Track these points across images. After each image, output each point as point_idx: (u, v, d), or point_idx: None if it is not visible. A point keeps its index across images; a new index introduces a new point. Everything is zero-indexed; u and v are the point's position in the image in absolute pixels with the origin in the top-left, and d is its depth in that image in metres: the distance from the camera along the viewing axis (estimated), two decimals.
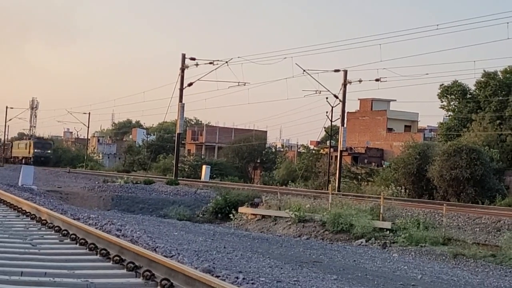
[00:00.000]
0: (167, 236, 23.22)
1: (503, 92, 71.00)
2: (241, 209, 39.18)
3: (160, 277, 9.73)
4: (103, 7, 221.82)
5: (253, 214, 38.35)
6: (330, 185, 47.11)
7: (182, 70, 61.93)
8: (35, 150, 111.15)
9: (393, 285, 17.88)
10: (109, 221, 19.09)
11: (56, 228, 14.95)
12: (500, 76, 73.42)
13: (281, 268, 18.54)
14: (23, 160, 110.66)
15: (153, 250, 13.39)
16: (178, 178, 59.79)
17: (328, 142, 74.09)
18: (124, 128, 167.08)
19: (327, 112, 63.14)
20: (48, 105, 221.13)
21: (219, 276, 11.30)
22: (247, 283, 12.06)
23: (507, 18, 62.83)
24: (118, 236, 14.49)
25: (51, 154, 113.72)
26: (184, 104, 62.23)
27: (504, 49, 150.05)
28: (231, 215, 38.51)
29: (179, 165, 66.45)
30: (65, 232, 14.22)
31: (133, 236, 16.06)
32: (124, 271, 10.52)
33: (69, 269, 10.34)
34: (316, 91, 60.04)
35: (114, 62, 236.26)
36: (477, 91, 74.69)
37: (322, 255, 24.29)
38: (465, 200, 48.52)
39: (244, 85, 61.70)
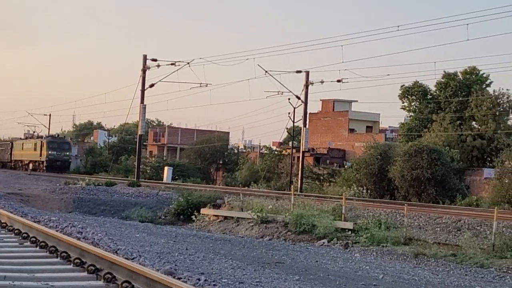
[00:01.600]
0: (129, 238, 23.09)
1: (463, 93, 71.73)
2: (203, 211, 39.09)
3: (121, 280, 9.70)
4: (64, 7, 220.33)
5: (216, 216, 38.29)
6: (292, 186, 47.18)
7: (144, 71, 61.68)
8: (50, 152, 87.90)
9: (355, 285, 17.94)
10: (70, 224, 18.97)
11: (16, 231, 14.82)
12: (460, 77, 74.17)
13: (244, 269, 18.53)
14: (30, 165, 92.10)
15: (115, 253, 13.31)
16: (140, 180, 59.55)
17: (290, 143, 74.29)
18: (85, 130, 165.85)
19: (289, 113, 63.33)
20: (7, 106, 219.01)
21: (181, 278, 11.27)
22: (209, 285, 12.04)
23: (467, 20, 63.55)
24: (79, 239, 14.40)
25: (70, 157, 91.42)
26: (145, 105, 61.98)
27: (464, 50, 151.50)
28: (193, 216, 38.47)
29: (141, 166, 66.16)
30: (25, 235, 14.11)
31: (94, 239, 15.96)
32: (85, 274, 10.47)
33: (29, 272, 10.26)
34: (278, 92, 60.20)
35: (75, 63, 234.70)
36: (437, 91, 75.38)
37: (285, 255, 24.30)
38: (426, 200, 48.90)
39: (206, 86, 61.62)
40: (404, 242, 28.16)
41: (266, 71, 57.00)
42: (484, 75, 74.62)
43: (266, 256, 23.61)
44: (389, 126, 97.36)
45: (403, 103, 79.21)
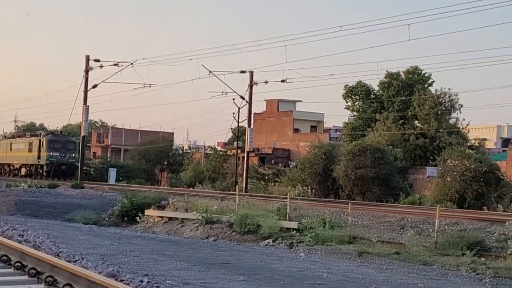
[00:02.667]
0: (72, 241, 22.83)
1: (406, 92, 72.44)
2: (147, 212, 38.87)
3: (63, 283, 9.57)
4: (4, 8, 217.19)
5: (160, 217, 38.10)
6: (237, 186, 47.17)
7: (86, 72, 61.23)
8: (52, 154, 69.96)
9: (300, 284, 17.96)
10: (11, 227, 18.69)
11: None
12: (403, 76, 74.92)
13: (189, 270, 18.45)
14: (22, 170, 75.09)
15: (56, 255, 13.14)
16: (84, 182, 58.98)
17: (235, 143, 74.26)
18: (27, 131, 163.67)
19: (234, 113, 63.33)
20: None
21: (123, 280, 11.16)
22: (152, 287, 11.94)
23: (408, 20, 64.19)
24: (20, 242, 14.19)
25: (76, 160, 69.98)
26: (88, 106, 61.51)
27: (406, 50, 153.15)
28: (137, 218, 38.25)
29: (84, 168, 65.58)
30: None
31: (35, 242, 15.75)
32: (26, 277, 10.31)
33: None
34: (222, 92, 60.19)
35: (16, 64, 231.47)
36: (380, 91, 76.04)
37: (230, 256, 24.25)
38: (370, 199, 49.28)
39: (150, 86, 61.37)
40: (349, 241, 28.32)
41: (210, 71, 56.99)
42: (426, 75, 75.47)
43: (212, 257, 23.53)
44: (333, 126, 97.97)
45: (347, 102, 79.78)
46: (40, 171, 71.13)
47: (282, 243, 29.84)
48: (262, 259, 23.81)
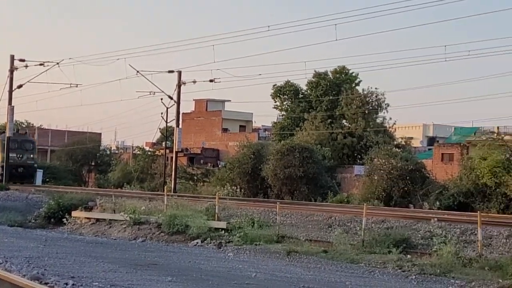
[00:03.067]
0: None
1: (334, 92, 73.10)
2: (74, 213, 38.42)
3: None
4: None
5: (87, 218, 37.70)
6: (166, 187, 46.90)
7: (11, 71, 60.24)
8: (9, 155, 61.29)
9: (228, 284, 17.95)
10: None
11: None
12: (330, 76, 75.61)
13: (115, 272, 18.30)
14: None
15: None
16: (9, 183, 57.92)
17: (163, 143, 73.85)
18: None
19: (162, 113, 62.91)
20: None
21: (48, 283, 11.00)
22: None
23: (335, 20, 64.64)
24: None
25: (35, 162, 66.14)
26: (13, 106, 60.51)
27: (333, 50, 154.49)
28: (64, 219, 37.77)
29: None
30: None
31: None
32: None
33: None
34: (150, 92, 59.73)
35: None
36: (308, 91, 76.61)
37: (158, 257, 24.12)
38: (298, 198, 49.48)
39: (77, 86, 60.56)
40: (277, 240, 28.43)
41: (137, 71, 56.49)
42: (353, 74, 76.31)
43: (139, 258, 23.37)
44: (262, 125, 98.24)
45: (275, 102, 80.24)
46: None
47: (210, 243, 29.80)
48: (191, 260, 23.75)
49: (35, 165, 65.08)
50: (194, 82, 57.94)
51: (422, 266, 22.14)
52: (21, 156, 63.40)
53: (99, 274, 17.38)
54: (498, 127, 70.35)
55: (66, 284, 11.79)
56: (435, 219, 26.24)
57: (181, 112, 60.12)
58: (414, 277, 21.15)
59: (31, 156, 64.83)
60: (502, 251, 23.61)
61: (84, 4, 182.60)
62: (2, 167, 60.67)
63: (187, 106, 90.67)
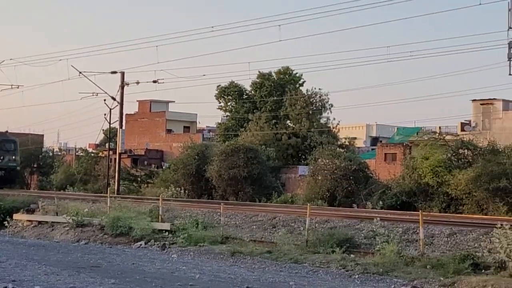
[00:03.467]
0: None
1: (278, 92, 73.37)
2: (16, 216, 37.95)
3: None
4: None
5: (29, 221, 37.25)
6: (109, 188, 46.53)
7: None
8: None
9: (171, 286, 17.86)
10: None
11: None
12: (275, 77, 75.87)
13: (58, 275, 18.10)
14: None
15: None
16: None
17: (107, 145, 73.30)
18: None
19: (105, 115, 62.38)
20: None
21: None
22: None
23: (279, 21, 64.89)
24: None
25: (18, 165, 60.85)
26: None
27: (277, 51, 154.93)
28: (5, 222, 37.26)
29: None
30: None
31: None
32: None
33: None
34: (93, 93, 59.17)
35: None
36: (253, 91, 76.74)
37: (101, 259, 23.93)
38: (243, 198, 49.46)
39: (18, 87, 59.76)
40: (221, 241, 28.38)
41: (80, 72, 55.94)
42: (297, 75, 76.66)
43: (82, 260, 23.15)
44: (206, 126, 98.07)
45: (219, 103, 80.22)
46: None
47: (154, 244, 29.65)
48: (134, 262, 23.61)
49: (18, 168, 60.04)
50: (138, 83, 57.55)
51: (365, 265, 22.28)
52: (1, 157, 57.98)
53: (40, 277, 17.18)
54: (440, 127, 71.36)
55: (6, 287, 11.61)
56: (378, 218, 26.41)
57: (124, 113, 59.71)
58: (357, 276, 21.28)
59: (13, 157, 59.11)
60: (444, 249, 23.89)
61: (26, 4, 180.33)
62: None
63: (131, 107, 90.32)
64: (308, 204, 30.07)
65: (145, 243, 30.03)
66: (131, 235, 31.12)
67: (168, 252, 27.70)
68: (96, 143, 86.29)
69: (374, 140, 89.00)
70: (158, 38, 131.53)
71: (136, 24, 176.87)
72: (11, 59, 66.49)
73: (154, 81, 56.71)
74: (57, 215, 36.77)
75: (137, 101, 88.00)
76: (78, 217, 34.22)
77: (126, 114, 73.95)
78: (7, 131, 66.23)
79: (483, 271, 20.62)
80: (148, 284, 17.95)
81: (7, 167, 58.01)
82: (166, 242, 29.43)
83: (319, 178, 46.82)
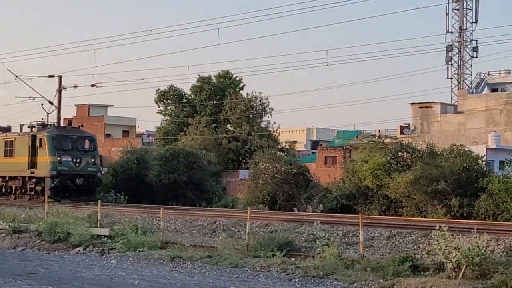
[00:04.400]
0: None
1: (218, 96, 73.32)
2: None
3: None
4: None
5: None
6: (46, 194, 45.78)
7: None
8: (61, 160, 44.21)
9: None
10: None
11: None
12: (214, 80, 75.77)
13: None
14: (13, 187, 47.41)
15: None
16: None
17: None
18: None
19: (42, 119, 61.53)
20: None
21: None
22: None
23: (218, 25, 64.90)
24: None
25: (99, 169, 47.68)
26: None
27: (216, 54, 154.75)
28: None
29: None
30: None
31: None
32: None
33: None
34: (30, 97, 58.30)
35: None
36: (192, 95, 76.53)
37: (38, 266, 23.57)
38: (183, 203, 49.23)
39: None
40: (161, 246, 28.10)
41: (16, 76, 55.12)
42: (237, 79, 76.70)
43: (18, 267, 22.77)
44: (146, 131, 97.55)
45: (159, 107, 79.82)
46: (37, 188, 45.03)
47: (93, 250, 29.24)
48: (72, 268, 23.35)
49: (99, 174, 46.72)
50: (75, 87, 56.92)
51: (305, 268, 22.27)
52: (78, 160, 44.93)
53: None
54: (379, 130, 72.11)
55: None
56: (318, 221, 26.43)
57: (62, 118, 58.92)
58: (297, 279, 21.25)
59: (92, 160, 46.07)
60: (383, 251, 24.02)
61: None
62: (53, 177, 43.76)
63: (69, 112, 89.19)
64: (249, 208, 29.98)
65: (84, 249, 29.60)
66: (69, 241, 30.64)
67: (107, 257, 27.34)
68: None
69: (315, 144, 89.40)
70: (96, 41, 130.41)
71: (73, 28, 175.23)
72: None
73: (92, 85, 56.23)
74: None
75: (75, 105, 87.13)
76: (15, 223, 33.66)
77: (64, 119, 72.92)
78: (82, 125, 51.68)
79: (422, 273, 20.74)
80: None
81: (86, 174, 45.26)
82: (105, 248, 29.04)
83: (260, 182, 46.78)
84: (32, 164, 45.30)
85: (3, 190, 48.22)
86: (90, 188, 45.51)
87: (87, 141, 47.07)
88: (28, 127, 48.76)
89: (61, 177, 43.79)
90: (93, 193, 45.58)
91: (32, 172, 45.41)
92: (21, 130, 49.62)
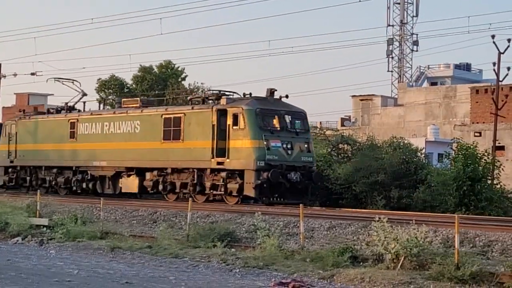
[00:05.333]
0: None
1: (160, 86, 73.04)
2: None
3: None
4: None
5: None
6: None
7: None
8: (272, 146, 32.41)
9: (48, 282, 17.49)
10: None
11: None
12: (156, 70, 75.43)
13: None
14: (130, 183, 38.71)
15: None
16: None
17: None
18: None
19: None
20: None
21: None
22: None
23: (160, 14, 64.57)
24: None
25: (314, 160, 34.92)
26: None
27: (158, 44, 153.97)
28: None
29: None
30: None
31: None
32: None
33: None
34: None
35: None
36: (134, 85, 76.08)
37: None
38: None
39: None
40: (101, 236, 27.94)
41: None
42: (180, 69, 76.47)
43: None
44: None
45: (100, 96, 79.08)
46: (230, 185, 33.32)
47: (32, 240, 28.94)
48: (10, 258, 23.12)
49: (314, 167, 34.96)
50: (15, 75, 56.30)
51: (246, 259, 22.29)
52: (289, 146, 33.39)
53: None
54: (320, 122, 72.57)
55: None
56: (259, 212, 26.47)
57: (1, 106, 58.18)
58: (238, 270, 21.28)
59: (306, 146, 34.28)
60: (323, 242, 24.15)
61: None
62: (258, 170, 32.14)
63: (8, 100, 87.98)
64: (190, 199, 29.93)
65: (22, 239, 29.27)
66: (8, 231, 30.31)
67: (46, 248, 27.08)
68: None
69: None
70: (36, 29, 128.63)
71: (13, 14, 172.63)
72: None
73: (32, 74, 55.62)
74: None
75: (15, 94, 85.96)
76: None
77: (3, 107, 72.14)
78: (287, 95, 35.53)
79: (361, 263, 20.93)
80: (23, 280, 17.52)
81: (301, 166, 33.68)
82: (44, 238, 28.78)
83: None
84: (220, 151, 33.43)
85: (160, 187, 36.95)
86: (305, 187, 33.73)
87: (297, 119, 34.73)
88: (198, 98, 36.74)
89: (273, 171, 31.91)
90: (306, 192, 33.84)
91: (220, 163, 33.41)
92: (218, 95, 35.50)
